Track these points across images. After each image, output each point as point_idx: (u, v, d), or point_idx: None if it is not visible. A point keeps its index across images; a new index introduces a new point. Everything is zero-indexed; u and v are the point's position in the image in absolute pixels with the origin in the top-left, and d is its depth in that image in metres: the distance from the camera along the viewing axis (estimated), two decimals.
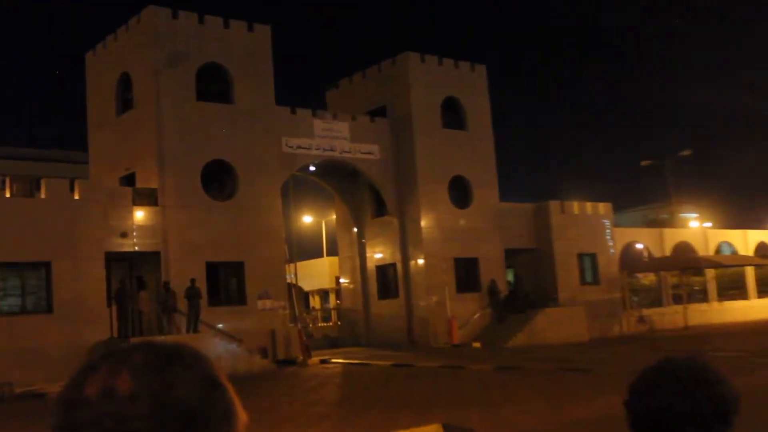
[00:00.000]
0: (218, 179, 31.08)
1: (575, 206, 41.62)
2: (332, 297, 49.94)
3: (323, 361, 29.98)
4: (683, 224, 60.65)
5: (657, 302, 47.02)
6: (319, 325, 44.94)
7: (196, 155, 30.10)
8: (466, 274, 36.90)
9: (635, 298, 48.28)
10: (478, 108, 39.25)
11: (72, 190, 27.50)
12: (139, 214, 28.74)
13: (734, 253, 52.06)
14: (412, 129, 36.72)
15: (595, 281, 40.93)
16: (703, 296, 48.79)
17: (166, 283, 28.08)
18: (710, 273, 48.82)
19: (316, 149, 34.71)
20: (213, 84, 31.47)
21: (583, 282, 40.48)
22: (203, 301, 28.41)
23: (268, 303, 30.59)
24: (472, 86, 39.14)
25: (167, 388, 1.09)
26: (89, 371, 1.11)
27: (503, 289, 37.63)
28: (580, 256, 40.77)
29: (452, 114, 38.40)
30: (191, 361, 1.14)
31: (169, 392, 1.09)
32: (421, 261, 36.22)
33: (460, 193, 37.70)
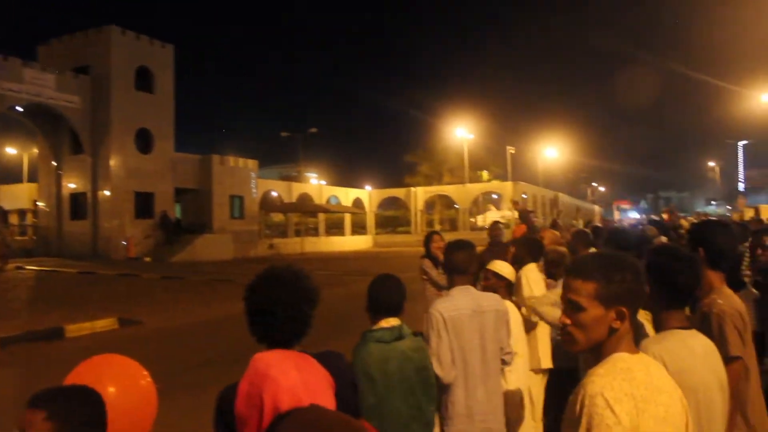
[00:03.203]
0: None
1: (231, 160, 40.80)
2: (29, 216, 45.54)
3: (19, 268, 26.38)
4: (306, 180, 63.04)
5: (284, 234, 48.79)
6: (16, 238, 40.48)
7: None
8: (144, 205, 34.95)
9: (268, 231, 50.21)
10: (165, 77, 36.65)
11: None
12: None
13: (339, 203, 55.21)
14: (110, 87, 33.58)
15: (241, 216, 40.54)
16: (315, 232, 51.53)
17: None
18: (322, 216, 51.44)
19: (26, 93, 30.70)
20: None
21: (232, 216, 39.90)
22: None
23: None
24: (162, 59, 36.38)
25: None
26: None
27: (172, 218, 36.25)
28: (231, 197, 40.13)
29: (144, 79, 35.40)
30: None
31: None
32: (107, 192, 33.75)
33: (144, 142, 35.13)
